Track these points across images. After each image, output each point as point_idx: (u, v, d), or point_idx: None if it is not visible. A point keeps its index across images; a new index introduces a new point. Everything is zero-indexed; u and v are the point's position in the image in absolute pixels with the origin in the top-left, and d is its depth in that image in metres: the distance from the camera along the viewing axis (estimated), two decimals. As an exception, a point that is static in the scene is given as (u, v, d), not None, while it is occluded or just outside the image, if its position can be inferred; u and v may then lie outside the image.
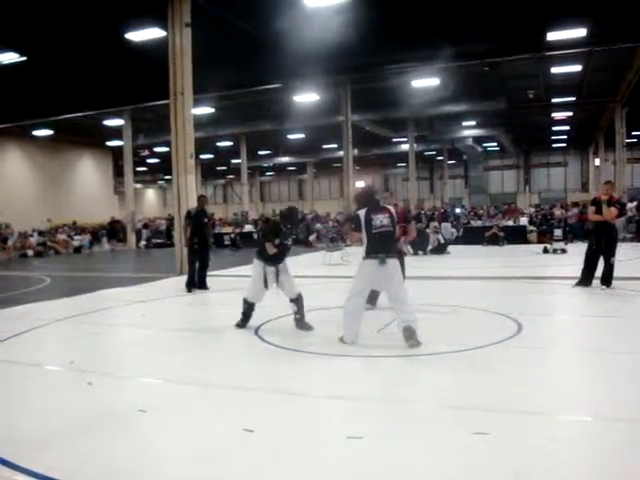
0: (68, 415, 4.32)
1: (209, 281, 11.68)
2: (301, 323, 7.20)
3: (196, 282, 11.34)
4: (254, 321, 7.49)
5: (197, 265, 11.36)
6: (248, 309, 7.38)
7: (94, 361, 6.00)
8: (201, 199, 11.87)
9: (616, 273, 9.82)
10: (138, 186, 46.89)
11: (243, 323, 7.40)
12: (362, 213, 6.37)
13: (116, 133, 29.57)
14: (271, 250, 7.01)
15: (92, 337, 7.29)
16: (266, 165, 50.15)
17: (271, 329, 7.22)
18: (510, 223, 24.24)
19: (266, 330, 7.15)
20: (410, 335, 6.04)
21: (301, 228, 7.82)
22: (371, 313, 7.90)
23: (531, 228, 23.57)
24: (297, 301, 7.18)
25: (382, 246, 6.19)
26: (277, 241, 7.05)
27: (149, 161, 41.85)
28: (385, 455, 3.49)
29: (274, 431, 3.91)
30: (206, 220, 11.49)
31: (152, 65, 15.36)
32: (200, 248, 11.28)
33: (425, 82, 21.80)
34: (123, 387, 5.10)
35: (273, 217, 7.63)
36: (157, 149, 34.52)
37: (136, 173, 34.70)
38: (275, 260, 7.16)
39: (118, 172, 35.49)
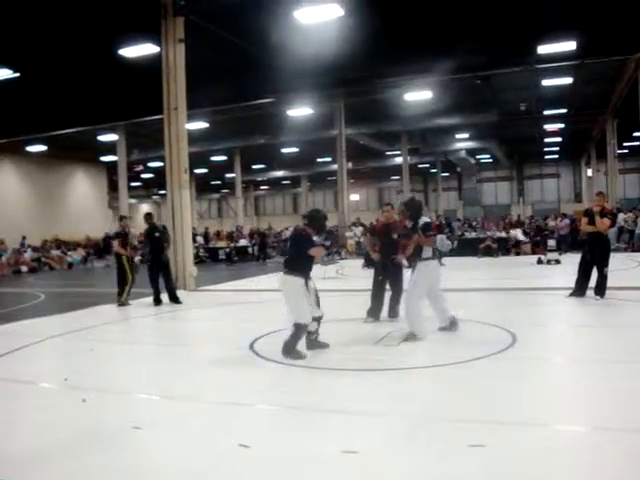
0: (62, 433, 4.30)
1: (201, 295, 11.68)
2: (316, 343, 6.71)
3: (160, 297, 11.54)
4: (247, 336, 7.48)
5: (161, 281, 11.59)
6: (303, 332, 6.42)
7: (89, 378, 5.97)
8: (147, 217, 12.06)
9: (609, 283, 9.86)
10: (133, 201, 46.86)
11: (299, 353, 6.33)
12: (429, 220, 7.37)
13: (110, 148, 29.61)
14: (320, 252, 6.60)
15: (87, 353, 7.25)
16: (260, 179, 50.22)
17: (266, 344, 7.19)
18: (503, 235, 24.30)
19: (261, 345, 7.13)
20: (454, 323, 7.37)
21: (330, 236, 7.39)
22: (368, 327, 7.92)
23: (523, 239, 23.59)
24: (319, 320, 6.64)
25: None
26: (327, 242, 6.75)
27: (143, 176, 41.88)
28: (379, 469, 3.49)
29: (270, 446, 3.90)
30: (157, 235, 11.69)
31: (146, 81, 15.42)
32: (157, 263, 11.51)
33: (418, 95, 21.94)
34: (118, 404, 5.07)
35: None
36: (151, 164, 34.58)
37: (130, 188, 34.65)
38: (308, 274, 6.52)
39: (112, 187, 35.49)
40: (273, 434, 4.16)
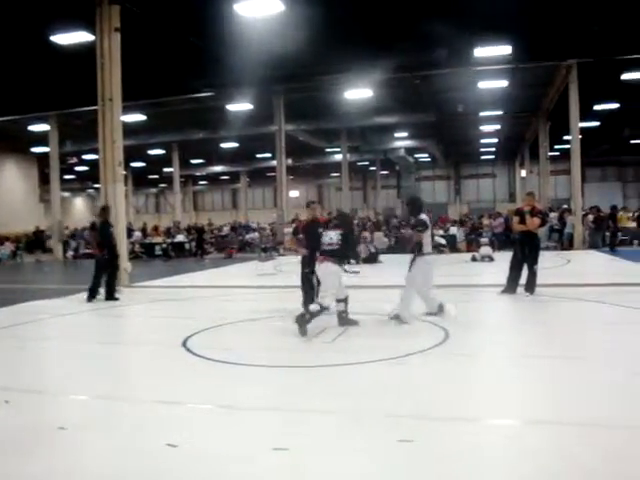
0: (-19, 435, 4.09)
1: (136, 292, 11.44)
2: (347, 320, 7.68)
3: (99, 292, 11.29)
4: (181, 333, 7.35)
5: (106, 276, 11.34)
6: (319, 314, 7.31)
7: (15, 377, 5.74)
8: (105, 210, 11.77)
9: (539, 280, 10.17)
10: (66, 194, 45.42)
11: (305, 329, 7.15)
12: (426, 218, 8.04)
13: (42, 139, 28.53)
14: (365, 252, 7.80)
15: (14, 352, 6.99)
16: (199, 174, 49.51)
17: (199, 341, 7.08)
18: (441, 232, 24.74)
19: (194, 342, 7.01)
20: (441, 308, 8.03)
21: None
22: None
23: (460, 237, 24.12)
24: (346, 301, 7.70)
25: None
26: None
27: (77, 169, 40.62)
28: (310, 466, 3.48)
29: (198, 445, 3.83)
30: (112, 230, 11.51)
31: (80, 70, 14.92)
32: (109, 259, 11.29)
33: (358, 93, 22.08)
34: (44, 405, 4.88)
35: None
36: (86, 156, 33.52)
37: (63, 181, 33.56)
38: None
39: (44, 180, 34.24)
40: (203, 433, 4.09)
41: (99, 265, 11.34)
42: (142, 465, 3.56)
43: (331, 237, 7.62)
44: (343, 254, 7.63)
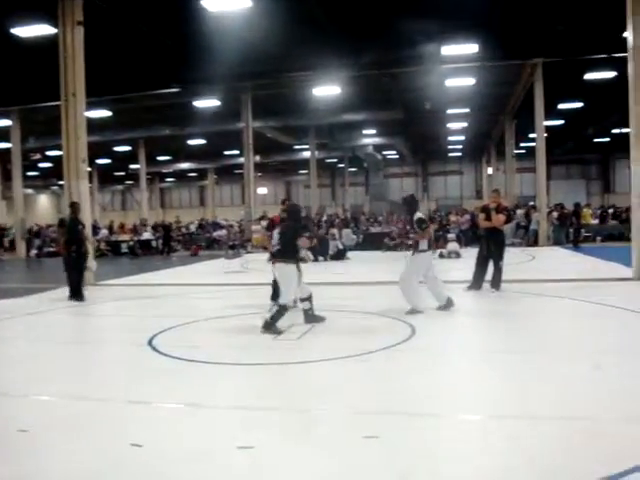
0: None
1: (102, 290, 11.25)
2: (314, 317, 7.59)
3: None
4: (147, 332, 7.26)
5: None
6: (283, 314, 7.23)
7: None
8: (74, 206, 11.46)
9: (504, 276, 10.30)
10: (29, 191, 44.56)
11: (276, 329, 7.11)
12: (423, 215, 8.31)
13: (3, 135, 27.89)
14: (306, 243, 7.57)
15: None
16: (166, 171, 48.94)
17: (165, 340, 7.00)
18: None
19: (160, 341, 6.92)
20: (450, 302, 8.33)
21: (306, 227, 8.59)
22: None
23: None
24: (310, 298, 7.56)
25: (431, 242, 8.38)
26: (306, 233, 7.61)
27: (41, 165, 39.86)
28: (275, 464, 3.45)
29: (163, 444, 3.78)
30: (81, 227, 11.23)
31: (42, 64, 14.63)
32: (77, 257, 11.02)
33: (326, 90, 22.06)
34: (4, 407, 4.75)
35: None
36: (50, 152, 32.90)
37: (26, 178, 32.88)
38: (299, 259, 7.56)
39: (6, 176, 33.48)
40: (168, 432, 4.04)
41: (68, 263, 11.06)
42: (105, 466, 3.50)
43: (274, 237, 7.56)
44: (286, 253, 7.39)
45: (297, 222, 7.67)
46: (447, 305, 8.42)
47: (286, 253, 7.38)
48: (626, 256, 12.03)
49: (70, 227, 11.14)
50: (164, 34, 15.71)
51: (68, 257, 11.02)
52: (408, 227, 8.81)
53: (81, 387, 5.27)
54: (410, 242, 8.58)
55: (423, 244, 8.24)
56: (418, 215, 8.34)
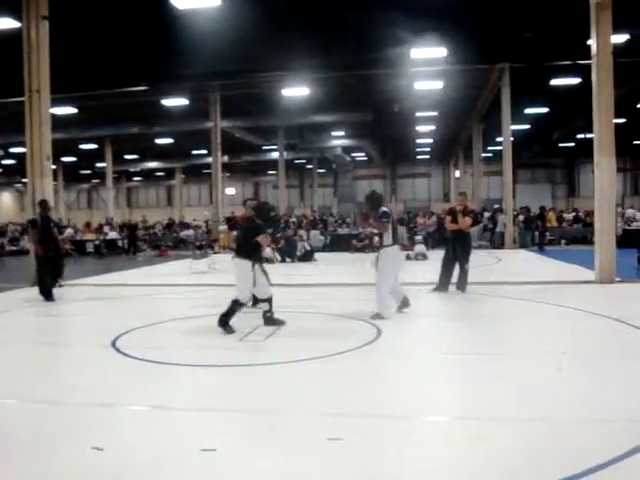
0: None
1: (67, 290, 11.04)
2: (272, 319, 7.48)
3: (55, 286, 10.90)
4: (111, 333, 7.14)
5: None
6: (237, 310, 7.21)
7: None
8: (43, 204, 11.13)
9: (470, 279, 10.40)
10: (-8, 189, 43.58)
11: (229, 328, 7.13)
12: (388, 209, 8.09)
13: (-36, 131, 27.26)
14: (266, 240, 7.37)
15: None
16: (133, 170, 48.29)
17: (129, 341, 6.89)
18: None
19: (124, 342, 6.81)
20: (405, 302, 8.34)
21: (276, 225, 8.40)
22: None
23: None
24: (270, 301, 7.48)
25: (398, 236, 8.26)
26: (270, 230, 7.49)
27: (4, 162, 39.00)
28: (237, 466, 3.43)
29: (125, 448, 3.72)
30: (52, 225, 11.01)
31: (5, 59, 14.27)
32: (53, 256, 10.81)
33: (295, 91, 22.03)
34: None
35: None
36: (13, 149, 32.20)
37: (-11, 175, 32.19)
38: (259, 258, 7.48)
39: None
40: (130, 435, 3.97)
41: (42, 262, 10.78)
42: (64, 470, 3.42)
43: (237, 235, 7.59)
44: (243, 250, 7.37)
45: (263, 219, 7.53)
46: (403, 305, 8.43)
47: (243, 250, 7.36)
48: (589, 259, 12.25)
49: (43, 226, 10.83)
50: (132, 31, 15.49)
51: (45, 257, 10.72)
52: (371, 221, 8.75)
53: (41, 389, 5.15)
54: (376, 237, 8.59)
55: (387, 238, 8.11)
56: (382, 209, 8.21)
